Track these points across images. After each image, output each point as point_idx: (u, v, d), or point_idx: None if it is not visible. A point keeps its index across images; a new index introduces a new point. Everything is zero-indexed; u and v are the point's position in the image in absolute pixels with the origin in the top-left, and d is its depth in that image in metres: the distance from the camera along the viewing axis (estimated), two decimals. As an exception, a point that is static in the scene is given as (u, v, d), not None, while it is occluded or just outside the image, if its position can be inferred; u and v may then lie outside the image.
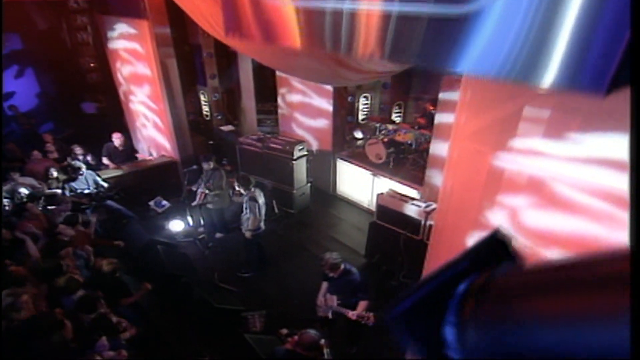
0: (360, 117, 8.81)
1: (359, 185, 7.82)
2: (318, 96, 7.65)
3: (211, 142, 9.25)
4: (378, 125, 7.86)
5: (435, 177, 6.28)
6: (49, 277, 4.35)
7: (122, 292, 4.72)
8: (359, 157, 7.78)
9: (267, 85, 9.70)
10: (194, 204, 7.11)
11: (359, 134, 8.17)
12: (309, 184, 7.81)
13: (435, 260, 4.03)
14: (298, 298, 5.71)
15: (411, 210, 5.68)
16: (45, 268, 4.46)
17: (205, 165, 6.55)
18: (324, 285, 4.63)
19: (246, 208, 5.78)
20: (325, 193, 8.41)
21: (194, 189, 6.62)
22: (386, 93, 8.58)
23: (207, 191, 6.45)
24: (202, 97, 9.44)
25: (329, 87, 7.35)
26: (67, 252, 4.83)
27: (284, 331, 5.06)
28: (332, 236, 7.13)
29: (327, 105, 7.60)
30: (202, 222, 7.12)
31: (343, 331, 4.82)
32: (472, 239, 3.52)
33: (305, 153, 7.47)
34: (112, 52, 7.97)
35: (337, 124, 7.80)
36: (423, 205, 5.65)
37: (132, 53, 7.38)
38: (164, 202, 7.33)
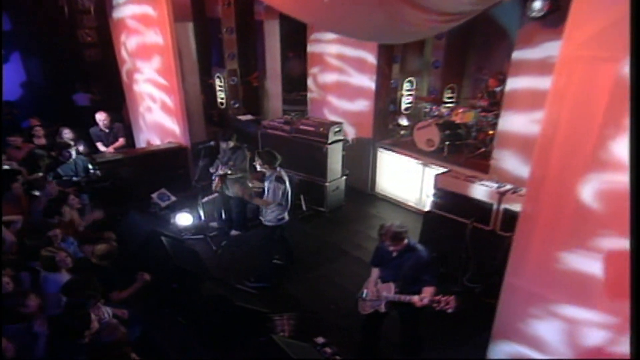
0: (404, 105, 8.57)
1: (405, 180, 7.45)
2: (358, 73, 7.45)
3: (226, 133, 9.07)
4: (428, 108, 7.59)
5: (506, 161, 5.91)
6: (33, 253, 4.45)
7: (111, 284, 4.50)
8: (405, 146, 7.48)
9: (293, 71, 9.63)
10: (204, 200, 6.83)
11: (404, 121, 7.91)
12: (344, 177, 7.46)
13: (522, 253, 3.53)
14: (335, 303, 5.36)
15: (480, 192, 5.27)
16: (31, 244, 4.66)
17: (223, 145, 6.29)
18: (375, 272, 4.21)
19: (269, 189, 5.39)
20: (361, 192, 8.05)
21: (211, 170, 6.31)
22: (436, 74, 8.35)
23: (228, 171, 6.11)
24: (217, 81, 9.34)
25: (372, 60, 7.15)
26: (55, 234, 4.79)
27: (320, 340, 4.71)
28: (374, 237, 6.69)
29: (368, 82, 7.38)
30: (223, 214, 6.81)
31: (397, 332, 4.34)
32: (587, 185, 3.08)
33: (342, 137, 7.16)
34: (117, 23, 7.94)
35: (380, 107, 7.54)
36: (495, 185, 5.24)
37: (142, 19, 7.33)
38: (169, 196, 7.08)
